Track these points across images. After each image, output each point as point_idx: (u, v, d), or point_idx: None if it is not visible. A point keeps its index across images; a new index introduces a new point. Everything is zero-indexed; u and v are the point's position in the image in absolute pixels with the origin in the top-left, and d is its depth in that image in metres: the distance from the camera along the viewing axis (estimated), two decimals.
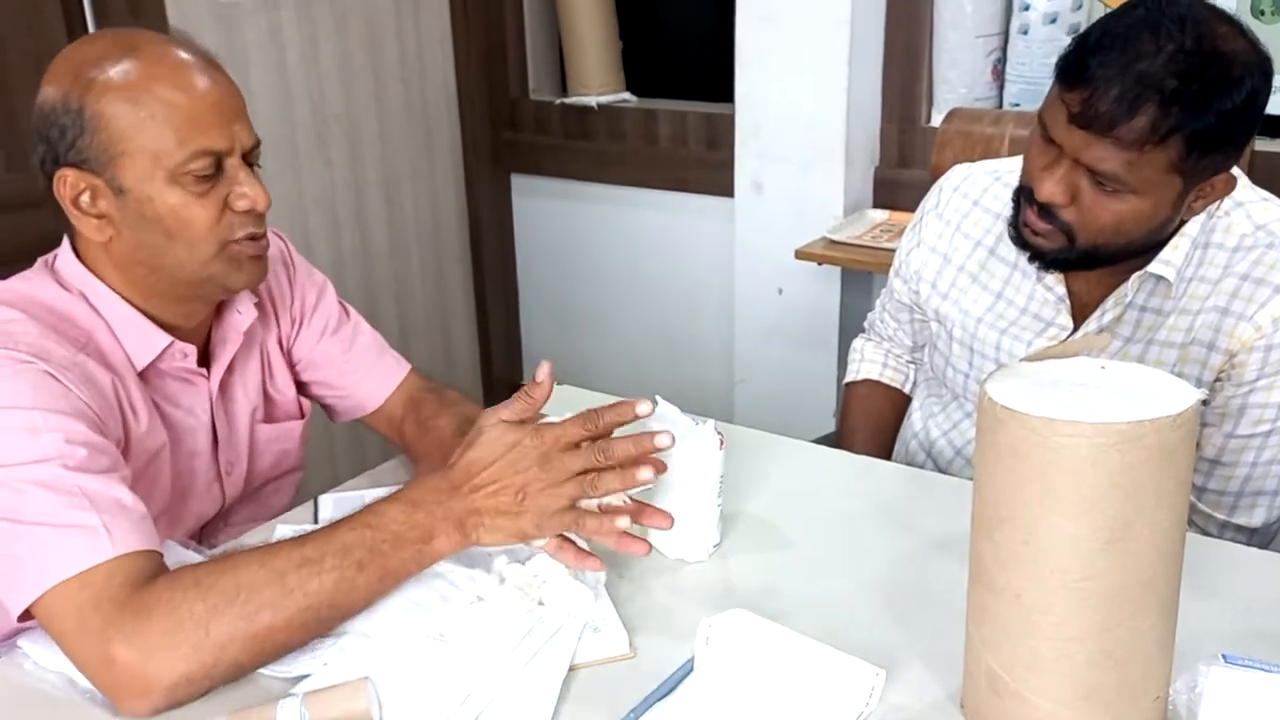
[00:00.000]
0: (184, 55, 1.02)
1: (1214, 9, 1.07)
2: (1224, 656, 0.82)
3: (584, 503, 0.95)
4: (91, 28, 2.09)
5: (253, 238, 1.05)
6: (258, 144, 1.06)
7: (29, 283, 1.05)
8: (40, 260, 1.09)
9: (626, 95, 2.82)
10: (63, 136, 1.00)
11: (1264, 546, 1.20)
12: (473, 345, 3.14)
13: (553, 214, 3.01)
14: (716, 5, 2.71)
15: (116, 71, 0.99)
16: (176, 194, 1.00)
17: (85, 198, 1.01)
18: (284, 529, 1.08)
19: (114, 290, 1.06)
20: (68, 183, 1.01)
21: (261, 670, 0.90)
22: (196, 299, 1.10)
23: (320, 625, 0.91)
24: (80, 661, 0.87)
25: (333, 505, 1.19)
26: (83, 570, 0.87)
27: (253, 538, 1.12)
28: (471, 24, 2.85)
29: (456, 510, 0.94)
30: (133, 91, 0.98)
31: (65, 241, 1.08)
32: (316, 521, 1.16)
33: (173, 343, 1.08)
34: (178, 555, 1.05)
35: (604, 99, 2.79)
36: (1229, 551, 1.10)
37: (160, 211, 1.01)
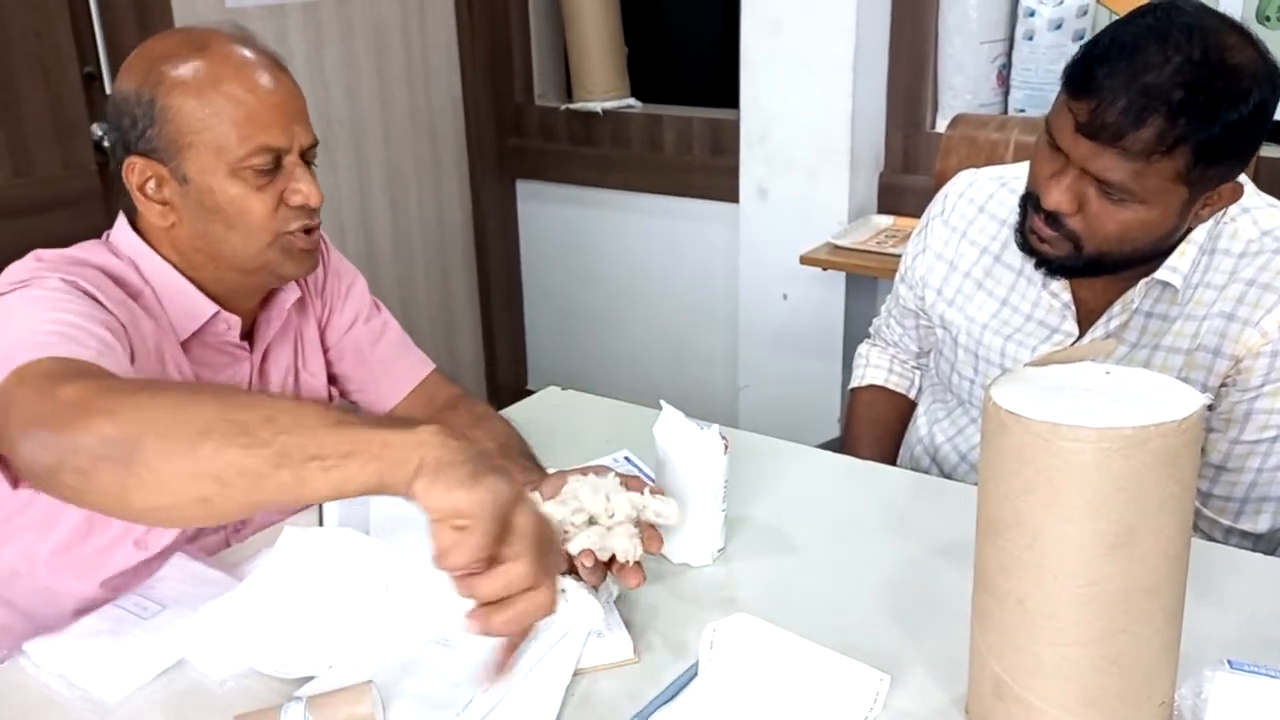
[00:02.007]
0: (251, 55, 1.08)
1: (1222, 18, 1.07)
2: (1229, 662, 0.82)
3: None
4: (99, 34, 2.11)
5: (306, 230, 1.12)
6: (315, 144, 1.12)
7: (83, 250, 1.11)
8: (94, 240, 1.14)
9: (631, 101, 2.83)
10: (134, 126, 1.07)
11: (1270, 552, 1.20)
12: (477, 350, 3.14)
13: (558, 219, 3.02)
14: (722, 11, 2.71)
15: (186, 68, 1.05)
16: (237, 186, 1.07)
17: (151, 185, 1.08)
18: (291, 530, 1.08)
19: (168, 262, 1.11)
20: (136, 170, 1.08)
21: (265, 670, 0.90)
22: (249, 286, 1.16)
23: (240, 438, 0.72)
24: (22, 396, 0.82)
25: (338, 508, 1.19)
26: (69, 357, 0.87)
27: (264, 536, 1.13)
28: (477, 29, 2.86)
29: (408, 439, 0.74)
30: (201, 88, 1.05)
31: (121, 217, 1.14)
32: (322, 523, 1.17)
33: (218, 312, 1.13)
34: (189, 568, 1.06)
35: (609, 104, 2.80)
36: (1234, 557, 1.10)
37: (220, 202, 1.07)
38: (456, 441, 0.74)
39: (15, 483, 0.92)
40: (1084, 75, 1.07)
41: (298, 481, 0.72)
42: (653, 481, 1.15)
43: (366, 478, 0.73)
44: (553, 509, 0.98)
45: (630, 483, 1.00)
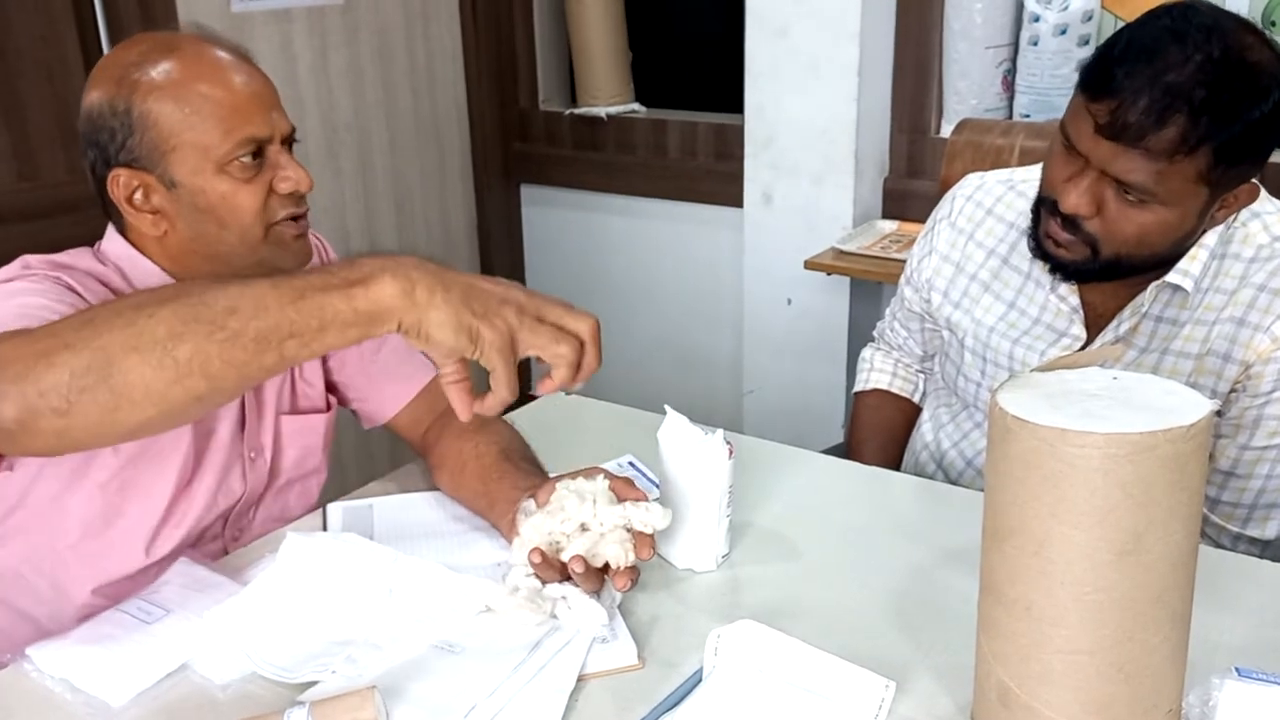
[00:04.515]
0: (219, 52, 1.07)
1: (1238, 19, 1.07)
2: (1237, 670, 0.81)
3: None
4: (104, 39, 2.11)
5: (295, 218, 1.11)
6: (294, 130, 1.11)
7: (69, 256, 1.10)
8: (82, 248, 1.14)
9: (636, 106, 2.83)
10: (113, 139, 1.05)
11: (1277, 559, 1.19)
12: None
13: (562, 224, 3.02)
14: (726, 16, 2.71)
15: (158, 72, 1.04)
16: (225, 182, 1.06)
17: (139, 195, 1.07)
18: (294, 536, 1.08)
19: (159, 266, 1.11)
20: (120, 182, 1.06)
21: (268, 675, 0.90)
22: None
23: (214, 332, 0.75)
24: None
25: (341, 514, 1.19)
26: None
27: (267, 541, 1.13)
28: (481, 35, 2.87)
29: (419, 266, 0.80)
30: (176, 90, 1.04)
31: (110, 228, 1.13)
32: (325, 528, 1.17)
33: None
34: (192, 573, 1.06)
35: (613, 109, 2.80)
36: (1242, 564, 1.10)
37: (212, 201, 1.06)
38: (418, 286, 0.79)
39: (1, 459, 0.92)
40: (1102, 76, 1.06)
41: (282, 359, 0.77)
42: (657, 487, 1.14)
43: (348, 341, 0.79)
44: (542, 520, 0.98)
45: (617, 484, 1.00)
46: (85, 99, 1.07)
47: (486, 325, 0.80)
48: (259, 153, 1.06)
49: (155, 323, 0.74)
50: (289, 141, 1.11)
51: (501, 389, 0.83)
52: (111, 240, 1.12)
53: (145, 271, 1.10)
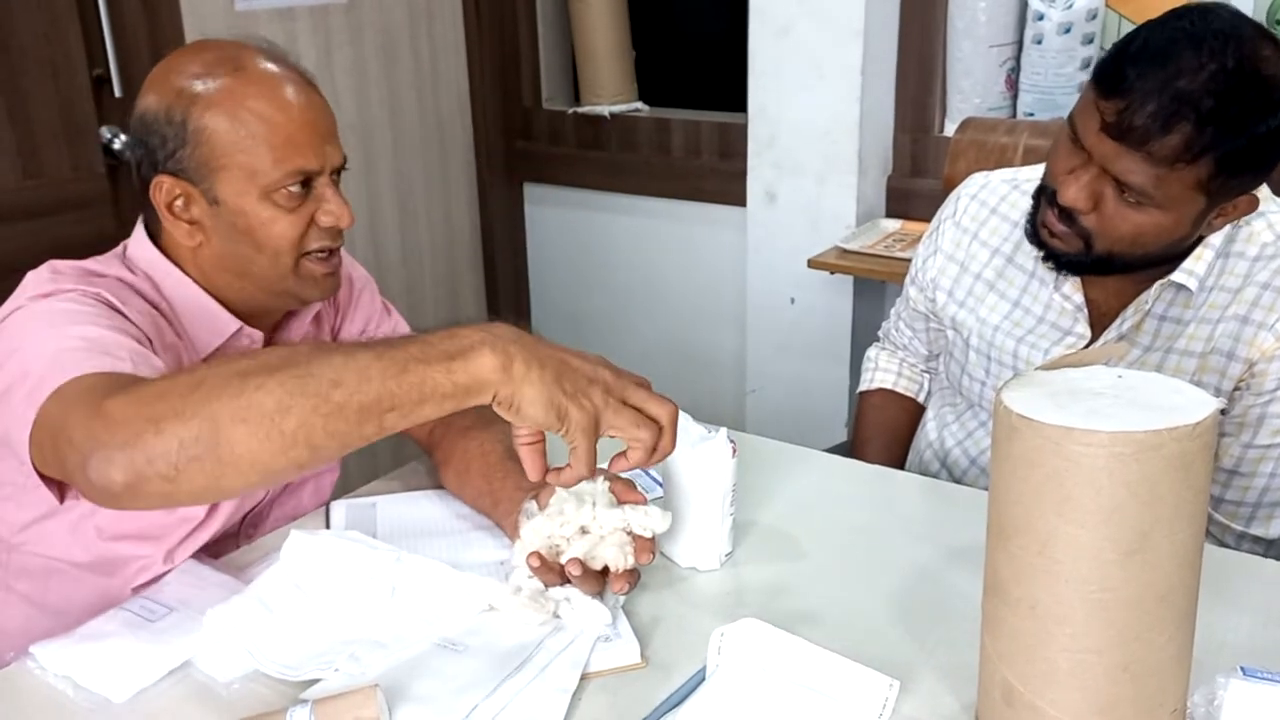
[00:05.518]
0: (283, 74, 1.07)
1: (1258, 26, 1.05)
2: (1242, 669, 0.81)
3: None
4: (108, 37, 2.11)
5: (329, 251, 1.11)
6: (344, 160, 1.11)
7: (98, 263, 1.09)
8: (110, 253, 1.13)
9: (639, 104, 2.83)
10: (163, 145, 1.04)
11: None
12: None
13: (565, 223, 3.02)
14: (729, 15, 2.71)
15: (220, 87, 1.03)
16: (268, 209, 1.06)
17: (179, 204, 1.07)
18: (297, 534, 1.08)
19: (190, 277, 1.10)
20: (164, 189, 1.06)
21: (270, 673, 0.90)
22: (273, 306, 1.16)
23: (319, 405, 0.76)
24: (73, 420, 0.82)
25: (344, 511, 1.19)
26: (105, 371, 0.87)
27: (271, 539, 1.13)
28: (485, 34, 2.87)
29: (516, 339, 0.81)
30: (235, 109, 1.03)
31: (139, 231, 1.12)
32: (329, 526, 1.17)
33: (241, 328, 1.12)
34: (195, 571, 1.05)
35: (617, 108, 2.80)
36: (1246, 563, 1.09)
37: (251, 224, 1.06)
38: (516, 360, 0.80)
39: (62, 497, 0.93)
40: (1115, 74, 1.05)
41: (380, 429, 0.78)
42: (660, 485, 1.14)
43: (443, 411, 0.79)
44: (542, 523, 0.98)
45: (616, 486, 1.00)
46: (141, 100, 1.06)
47: (575, 405, 0.82)
48: (306, 183, 1.06)
49: (264, 395, 0.76)
50: (338, 171, 1.10)
51: (581, 467, 0.85)
52: (140, 245, 1.11)
53: (177, 283, 1.10)
